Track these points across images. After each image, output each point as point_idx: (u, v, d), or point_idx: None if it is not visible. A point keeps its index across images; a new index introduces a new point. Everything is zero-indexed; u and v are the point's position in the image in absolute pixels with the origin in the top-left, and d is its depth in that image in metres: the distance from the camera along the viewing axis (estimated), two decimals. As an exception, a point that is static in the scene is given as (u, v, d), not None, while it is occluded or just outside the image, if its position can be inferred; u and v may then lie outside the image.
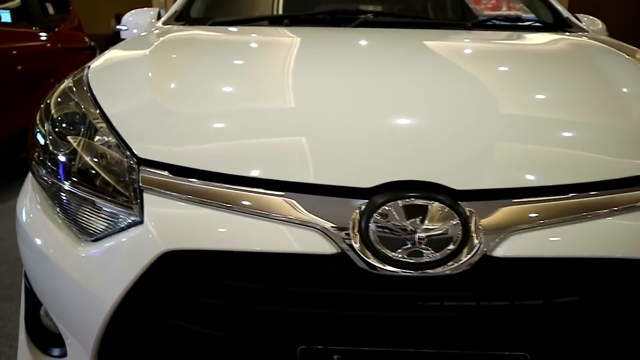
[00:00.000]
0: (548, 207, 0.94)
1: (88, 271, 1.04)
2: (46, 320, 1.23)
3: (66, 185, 1.09)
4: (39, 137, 1.17)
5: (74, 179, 1.08)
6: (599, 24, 2.26)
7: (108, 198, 1.05)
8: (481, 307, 0.97)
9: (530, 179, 0.97)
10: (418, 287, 0.96)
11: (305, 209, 0.94)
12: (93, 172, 1.07)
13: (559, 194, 0.95)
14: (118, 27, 2.33)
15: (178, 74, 1.32)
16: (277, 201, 0.94)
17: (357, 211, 0.93)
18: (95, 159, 1.08)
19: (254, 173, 0.98)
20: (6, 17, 3.84)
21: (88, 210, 1.07)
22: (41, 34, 4.16)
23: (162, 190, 0.99)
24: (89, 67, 1.37)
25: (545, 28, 1.99)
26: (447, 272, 0.92)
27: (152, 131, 1.09)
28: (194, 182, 0.98)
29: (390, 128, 1.10)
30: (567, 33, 1.90)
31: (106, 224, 1.04)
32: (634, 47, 1.65)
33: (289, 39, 1.74)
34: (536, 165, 1.00)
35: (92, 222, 1.06)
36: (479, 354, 0.96)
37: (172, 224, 0.98)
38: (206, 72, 1.34)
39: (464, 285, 0.96)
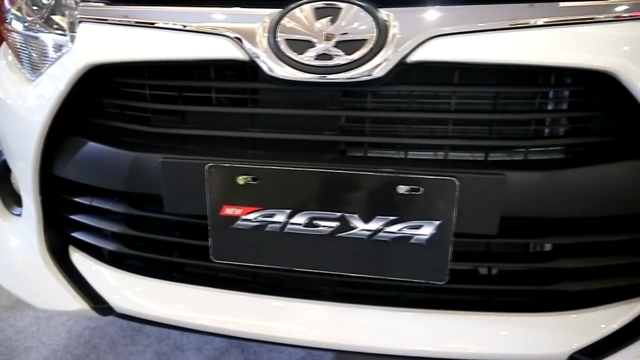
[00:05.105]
0: (479, 12, 0.86)
1: (28, 102, 1.13)
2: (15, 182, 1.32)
3: (21, 29, 1.17)
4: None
5: (28, 23, 1.17)
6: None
7: (52, 34, 1.11)
8: (400, 119, 0.96)
9: None
10: (333, 99, 0.94)
11: (217, 20, 0.95)
12: (43, 15, 1.14)
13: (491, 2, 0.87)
14: None
15: None
16: (189, 13, 0.97)
17: (267, 17, 0.92)
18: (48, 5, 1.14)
19: None
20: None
21: (35, 51, 1.15)
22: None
23: (96, 18, 1.04)
24: None
25: None
26: (359, 77, 0.89)
27: None
28: (121, 8, 1.02)
29: None
30: None
31: (48, 61, 1.12)
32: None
33: None
34: None
35: (37, 61, 1.15)
36: (400, 177, 0.91)
37: (97, 44, 1.03)
38: None
39: (383, 96, 0.94)
